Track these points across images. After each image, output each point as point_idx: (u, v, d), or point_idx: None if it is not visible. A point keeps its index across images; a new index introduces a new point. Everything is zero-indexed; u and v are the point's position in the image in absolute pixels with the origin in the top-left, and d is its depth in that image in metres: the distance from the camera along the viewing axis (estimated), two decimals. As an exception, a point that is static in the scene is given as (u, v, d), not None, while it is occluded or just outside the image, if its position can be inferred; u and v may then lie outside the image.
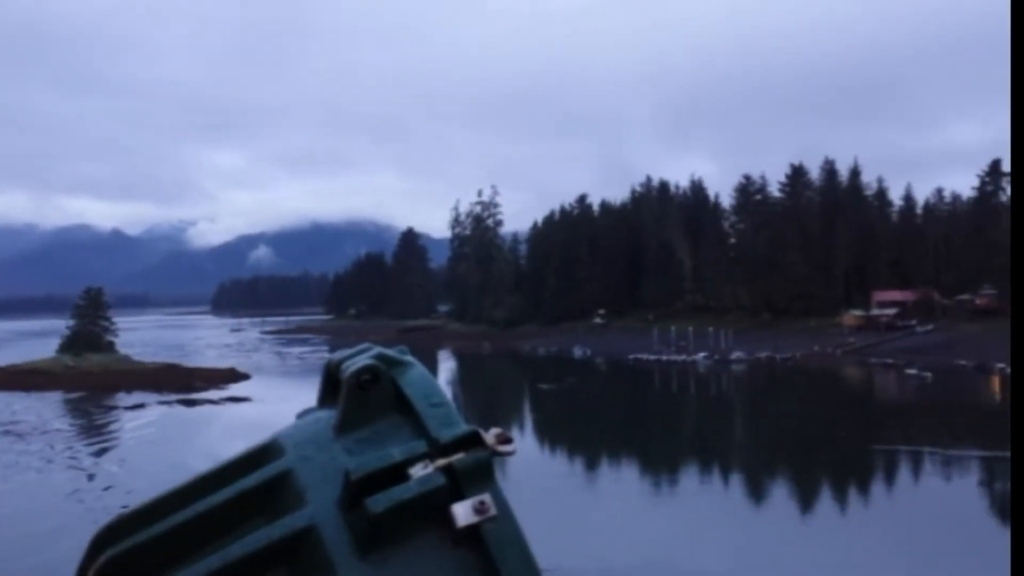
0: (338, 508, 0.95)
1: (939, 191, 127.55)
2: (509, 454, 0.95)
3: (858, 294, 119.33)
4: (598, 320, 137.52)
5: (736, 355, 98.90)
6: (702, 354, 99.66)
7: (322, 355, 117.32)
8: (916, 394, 69.43)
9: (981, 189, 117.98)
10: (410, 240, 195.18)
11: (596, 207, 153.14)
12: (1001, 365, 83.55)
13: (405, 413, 1.04)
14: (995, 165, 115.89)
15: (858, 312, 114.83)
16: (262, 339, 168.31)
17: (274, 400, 64.65)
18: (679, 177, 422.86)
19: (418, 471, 0.93)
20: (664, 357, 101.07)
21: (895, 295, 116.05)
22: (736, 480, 39.46)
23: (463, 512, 0.91)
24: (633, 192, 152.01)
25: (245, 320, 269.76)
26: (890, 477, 39.78)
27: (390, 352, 1.09)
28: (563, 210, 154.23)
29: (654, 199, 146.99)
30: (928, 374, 78.25)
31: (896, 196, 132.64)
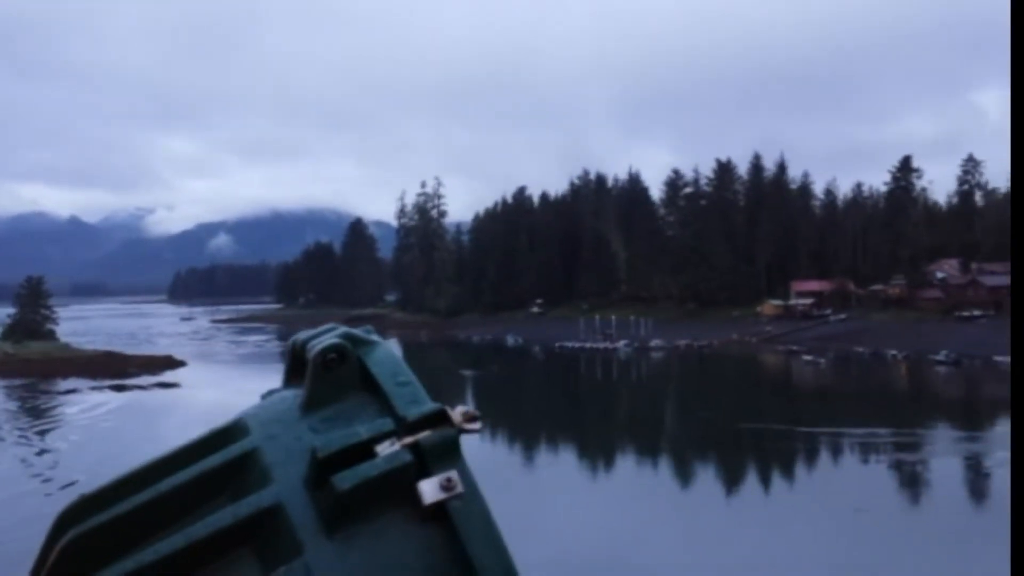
0: (304, 486, 0.96)
1: (858, 185, 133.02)
2: (476, 431, 0.97)
3: (780, 284, 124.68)
4: (535, 309, 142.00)
5: (656, 343, 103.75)
6: (623, 342, 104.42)
7: (264, 343, 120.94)
8: (805, 379, 74.47)
9: (893, 184, 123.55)
10: (359, 230, 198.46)
11: (537, 199, 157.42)
12: (894, 352, 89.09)
13: (372, 392, 1.04)
14: (905, 161, 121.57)
15: (777, 302, 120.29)
16: (211, 328, 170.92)
17: (203, 386, 68.26)
18: (635, 167, 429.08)
19: (385, 449, 0.94)
20: (589, 345, 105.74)
21: (813, 285, 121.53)
22: (610, 455, 43.90)
23: (430, 489, 0.92)
24: (572, 184, 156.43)
25: (198, 309, 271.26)
26: (738, 453, 44.36)
27: (356, 331, 1.10)
28: (504, 202, 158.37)
29: (591, 192, 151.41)
30: (822, 360, 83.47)
31: (837, 190, 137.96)
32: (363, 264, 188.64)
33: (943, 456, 40.99)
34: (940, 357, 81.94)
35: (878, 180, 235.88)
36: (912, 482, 37.11)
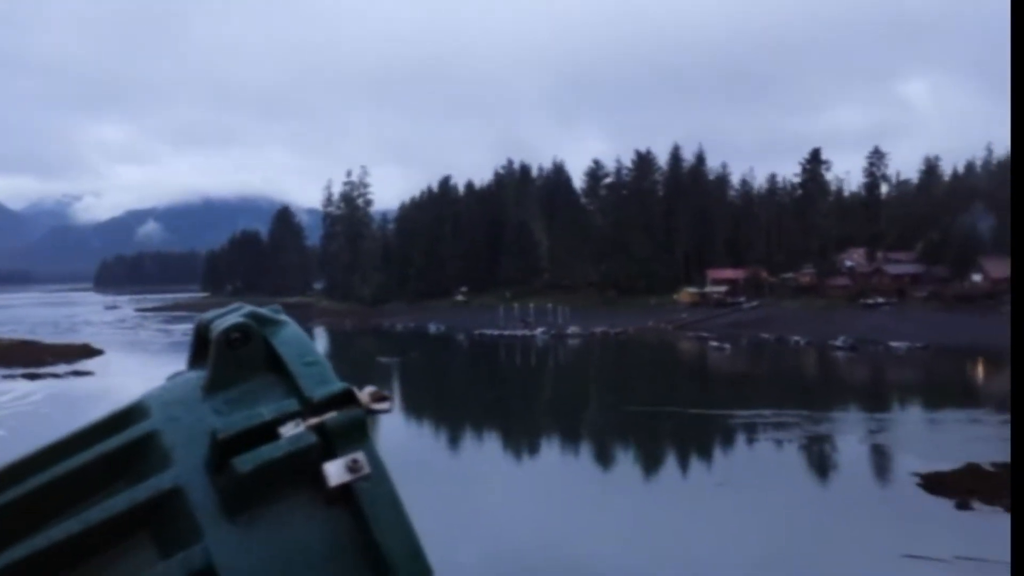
0: (205, 469, 0.93)
1: (772, 176, 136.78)
2: (384, 412, 0.95)
3: (697, 273, 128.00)
4: (460, 298, 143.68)
5: (573, 330, 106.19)
6: (540, 329, 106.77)
7: (182, 331, 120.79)
8: (708, 365, 77.33)
9: (803, 176, 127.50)
10: (286, 218, 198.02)
11: (464, 188, 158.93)
12: (797, 338, 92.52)
13: (278, 372, 1.01)
14: (815, 154, 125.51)
15: (693, 290, 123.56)
16: (136, 317, 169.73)
17: (117, 374, 68.82)
18: (571, 156, 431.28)
19: (289, 430, 0.92)
20: (508, 332, 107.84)
21: (728, 273, 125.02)
22: (506, 437, 45.90)
23: (335, 471, 0.90)
24: (496, 174, 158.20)
25: (123, 298, 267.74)
26: (626, 434, 46.62)
27: (262, 311, 1.07)
28: (429, 191, 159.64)
29: (515, 181, 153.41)
30: (727, 346, 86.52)
31: (753, 181, 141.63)
32: (290, 252, 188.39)
33: (814, 435, 43.64)
34: (839, 343, 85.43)
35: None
36: (777, 458, 39.67)
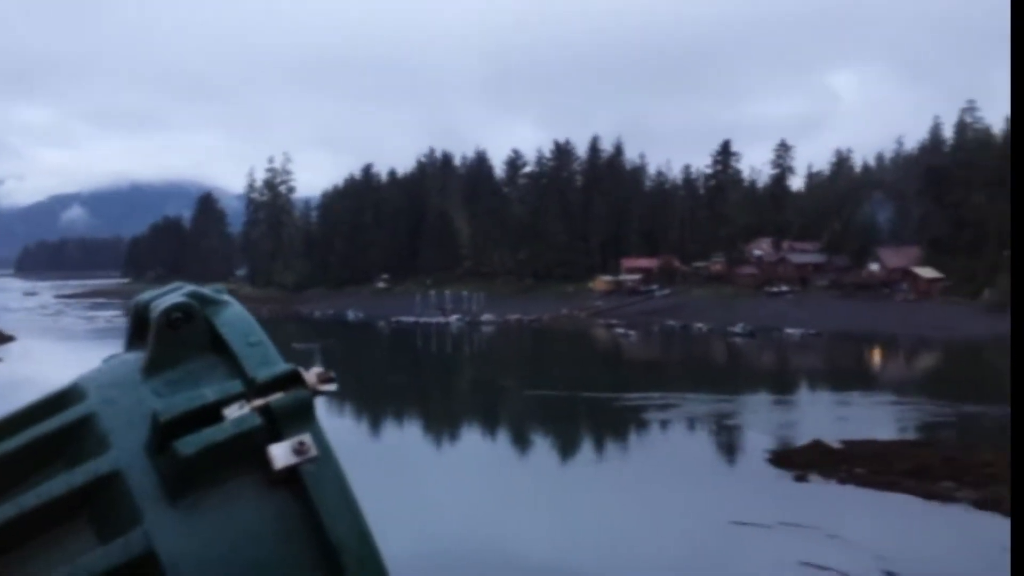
0: (145, 452, 0.90)
1: (687, 167, 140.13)
2: (331, 392, 0.93)
3: (612, 261, 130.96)
4: (381, 285, 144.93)
5: (487, 317, 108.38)
6: (455, 317, 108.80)
7: (114, 319, 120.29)
8: (612, 350, 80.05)
9: (714, 168, 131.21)
10: (209, 203, 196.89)
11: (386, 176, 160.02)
12: (700, 325, 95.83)
13: (221, 353, 0.98)
14: (725, 146, 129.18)
15: (608, 278, 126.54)
16: (57, 303, 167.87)
17: (29, 361, 68.99)
18: (502, 144, 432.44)
19: (233, 412, 0.89)
20: (424, 319, 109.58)
21: (642, 262, 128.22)
22: (399, 419, 47.77)
23: (281, 453, 0.87)
24: (419, 162, 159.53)
25: (44, 284, 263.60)
26: (513, 416, 48.87)
27: (204, 290, 1.03)
28: (352, 178, 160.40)
29: (438, 169, 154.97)
30: (633, 333, 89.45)
31: (669, 171, 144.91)
32: (213, 239, 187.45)
33: (691, 416, 46.27)
34: (738, 329, 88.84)
35: (741, 161, 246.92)
36: (650, 437, 42.23)
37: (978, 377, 61.43)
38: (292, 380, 0.92)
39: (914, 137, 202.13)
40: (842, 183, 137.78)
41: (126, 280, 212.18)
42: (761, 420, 45.11)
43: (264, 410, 0.90)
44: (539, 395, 53.36)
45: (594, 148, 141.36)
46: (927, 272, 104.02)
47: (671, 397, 51.43)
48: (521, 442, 41.65)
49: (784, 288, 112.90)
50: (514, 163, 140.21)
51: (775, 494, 31.21)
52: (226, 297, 1.04)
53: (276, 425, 0.90)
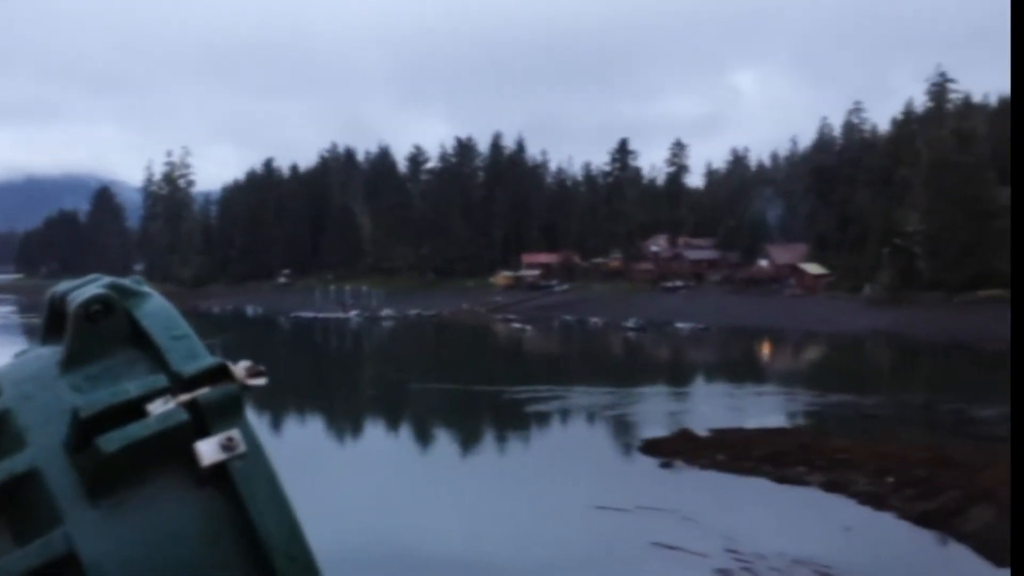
0: (65, 450, 0.85)
1: (587, 164, 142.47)
2: (260, 386, 0.90)
3: (514, 257, 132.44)
4: (282, 280, 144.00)
5: (386, 312, 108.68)
6: (355, 312, 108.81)
7: (8, 315, 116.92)
8: (507, 344, 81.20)
9: (613, 165, 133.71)
10: (106, 197, 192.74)
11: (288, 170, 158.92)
12: (595, 320, 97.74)
13: (143, 347, 0.94)
14: (623, 144, 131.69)
15: (508, 273, 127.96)
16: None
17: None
18: (413, 138, 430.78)
19: (158, 407, 0.85)
20: (323, 315, 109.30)
21: (542, 258, 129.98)
22: (280, 412, 48.06)
23: (208, 449, 0.84)
24: (321, 157, 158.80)
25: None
26: (395, 408, 49.49)
27: (124, 282, 0.99)
28: (253, 173, 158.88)
29: (340, 164, 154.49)
30: (529, 327, 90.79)
31: (571, 168, 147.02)
32: (109, 233, 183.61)
33: (574, 408, 47.45)
34: (630, 324, 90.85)
35: (643, 159, 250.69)
36: (531, 429, 43.30)
37: (854, 369, 64.26)
38: (219, 374, 0.89)
39: (808, 136, 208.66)
40: (736, 181, 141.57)
41: (19, 276, 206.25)
42: (640, 411, 46.57)
43: (190, 405, 0.87)
44: (428, 388, 54.12)
45: (496, 145, 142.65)
46: (813, 268, 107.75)
47: (559, 390, 52.60)
48: (402, 436, 42.41)
49: (679, 284, 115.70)
50: (416, 159, 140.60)
51: (640, 480, 32.48)
52: (147, 289, 1.00)
53: (203, 421, 0.86)
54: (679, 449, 35.80)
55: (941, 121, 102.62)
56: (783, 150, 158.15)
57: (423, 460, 37.09)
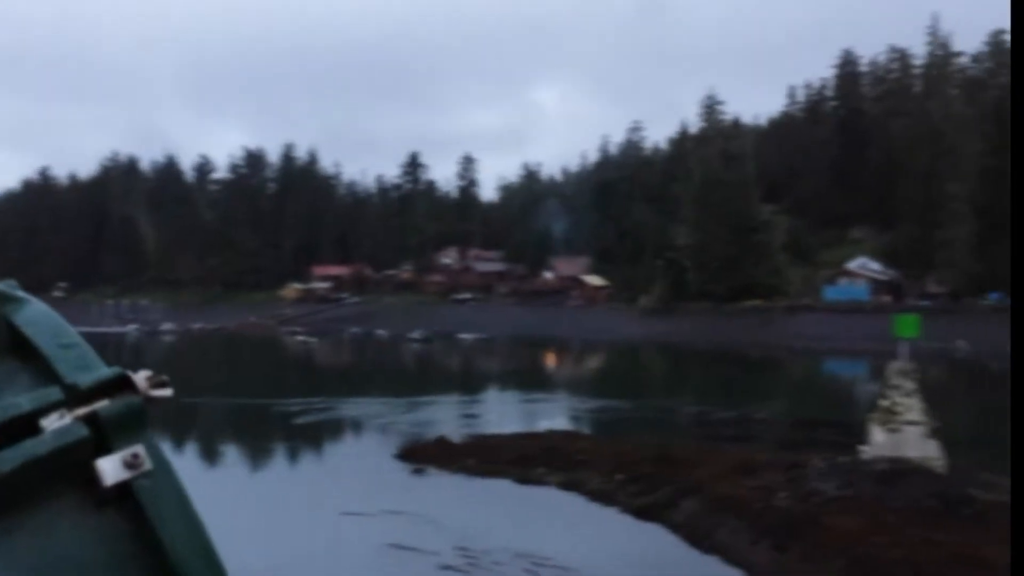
0: None
1: (379, 177, 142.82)
2: (166, 398, 0.87)
3: (305, 269, 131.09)
4: (58, 293, 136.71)
5: (167, 326, 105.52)
6: (133, 326, 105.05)
7: None
8: (288, 357, 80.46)
9: (403, 178, 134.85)
10: None
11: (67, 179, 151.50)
12: (381, 331, 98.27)
13: (24, 357, 0.89)
14: (413, 157, 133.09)
15: (298, 285, 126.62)
16: None
17: None
18: (205, 149, 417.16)
19: (53, 422, 0.80)
20: (101, 329, 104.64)
21: (333, 270, 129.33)
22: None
23: (111, 467, 0.79)
24: (103, 166, 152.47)
25: None
26: (163, 422, 48.41)
27: None
28: (28, 181, 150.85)
29: (122, 173, 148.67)
30: (315, 339, 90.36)
31: (364, 180, 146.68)
32: None
33: (342, 419, 47.75)
34: (415, 335, 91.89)
35: (442, 172, 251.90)
36: (294, 440, 43.36)
37: (621, 376, 67.39)
38: (120, 385, 0.83)
39: (594, 153, 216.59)
40: (527, 195, 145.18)
41: None
42: (406, 419, 47.31)
43: (90, 419, 0.80)
44: (191, 403, 53.12)
45: (288, 156, 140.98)
46: (594, 280, 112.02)
47: (331, 401, 52.73)
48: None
49: (468, 296, 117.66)
50: (203, 168, 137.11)
51: (391, 486, 33.17)
52: (21, 293, 0.93)
53: (104, 436, 0.80)
54: (434, 455, 36.71)
55: (711, 141, 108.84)
56: (573, 165, 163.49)
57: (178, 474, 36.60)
